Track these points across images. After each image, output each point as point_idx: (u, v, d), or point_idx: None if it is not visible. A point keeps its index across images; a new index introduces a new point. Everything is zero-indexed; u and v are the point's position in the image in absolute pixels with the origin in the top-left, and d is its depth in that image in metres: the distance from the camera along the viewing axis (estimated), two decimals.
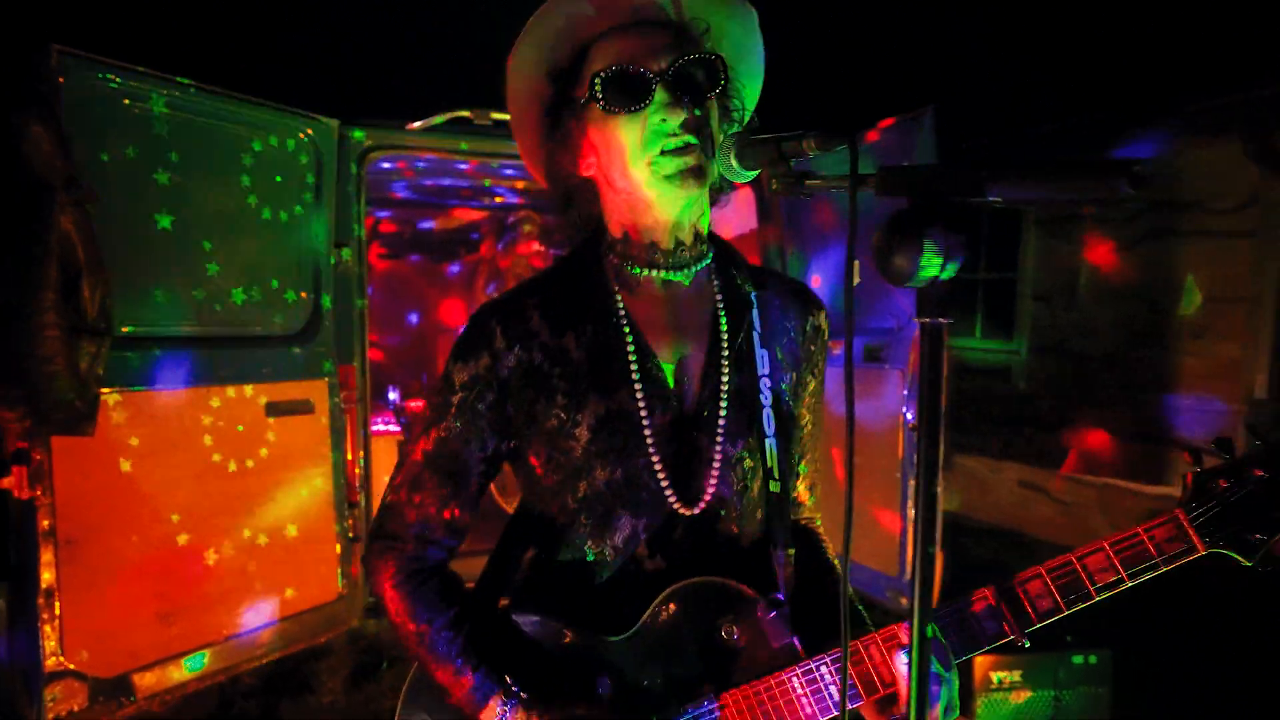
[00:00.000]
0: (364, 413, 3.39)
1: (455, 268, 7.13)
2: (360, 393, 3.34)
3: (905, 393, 3.25)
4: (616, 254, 1.04)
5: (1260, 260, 4.21)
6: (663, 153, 0.93)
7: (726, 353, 1.02)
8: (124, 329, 2.49)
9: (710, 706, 0.93)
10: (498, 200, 5.28)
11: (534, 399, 0.99)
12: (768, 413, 1.01)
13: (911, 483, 3.25)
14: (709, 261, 1.06)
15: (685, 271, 1.03)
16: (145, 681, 2.52)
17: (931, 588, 0.66)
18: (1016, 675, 3.08)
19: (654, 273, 1.02)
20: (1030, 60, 4.94)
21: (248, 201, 2.88)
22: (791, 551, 1.04)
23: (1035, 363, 5.67)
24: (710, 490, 0.99)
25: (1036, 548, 5.48)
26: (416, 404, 5.45)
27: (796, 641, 0.96)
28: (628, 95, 0.93)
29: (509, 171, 4.26)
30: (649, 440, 0.97)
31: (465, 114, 3.49)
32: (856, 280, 0.69)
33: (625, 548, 0.98)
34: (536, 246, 5.45)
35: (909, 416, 3.22)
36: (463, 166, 4.09)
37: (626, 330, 1.00)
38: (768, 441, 1.01)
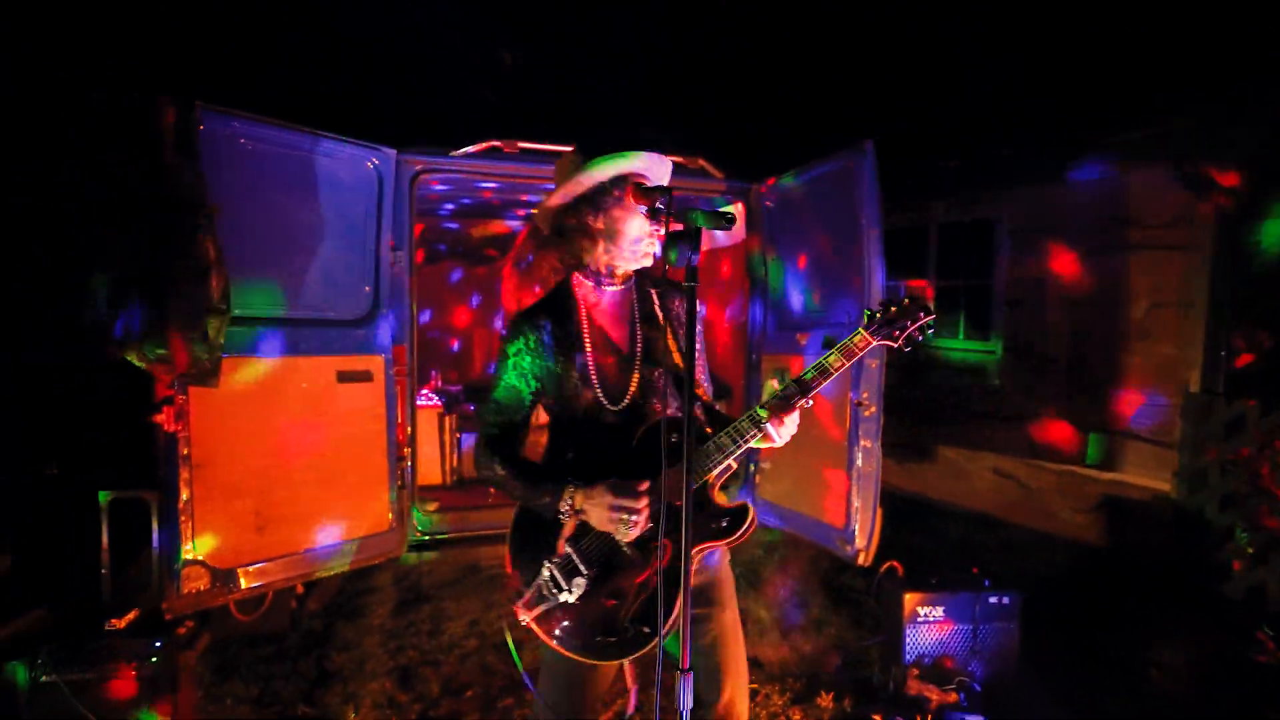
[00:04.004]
0: (412, 385, 4.16)
1: (484, 270, 7.97)
2: (409, 368, 4.11)
3: (852, 376, 3.91)
4: (590, 277, 1.88)
5: (1190, 270, 4.75)
6: (640, 240, 1.79)
7: (640, 323, 1.87)
8: (236, 311, 3.30)
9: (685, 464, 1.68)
10: (532, 212, 6.10)
11: (548, 359, 1.82)
12: (669, 347, 1.86)
13: (856, 449, 3.91)
14: (633, 279, 1.94)
15: (622, 285, 1.90)
16: (246, 576, 3.33)
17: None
18: (939, 611, 3.65)
19: (608, 287, 1.89)
20: (997, 92, 5.55)
21: (327, 214, 3.70)
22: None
23: (1008, 361, 6.18)
24: (630, 395, 1.82)
25: (1003, 528, 5.99)
26: (454, 387, 6.29)
27: (709, 430, 1.81)
28: (632, 207, 1.78)
29: (533, 197, 5.09)
30: (593, 375, 1.82)
31: (498, 144, 4.28)
32: (669, 264, 1.41)
33: (603, 431, 1.80)
34: (555, 263, 6.30)
35: (853, 396, 3.88)
36: (493, 186, 4.88)
37: (582, 321, 1.86)
38: (673, 361, 1.86)
